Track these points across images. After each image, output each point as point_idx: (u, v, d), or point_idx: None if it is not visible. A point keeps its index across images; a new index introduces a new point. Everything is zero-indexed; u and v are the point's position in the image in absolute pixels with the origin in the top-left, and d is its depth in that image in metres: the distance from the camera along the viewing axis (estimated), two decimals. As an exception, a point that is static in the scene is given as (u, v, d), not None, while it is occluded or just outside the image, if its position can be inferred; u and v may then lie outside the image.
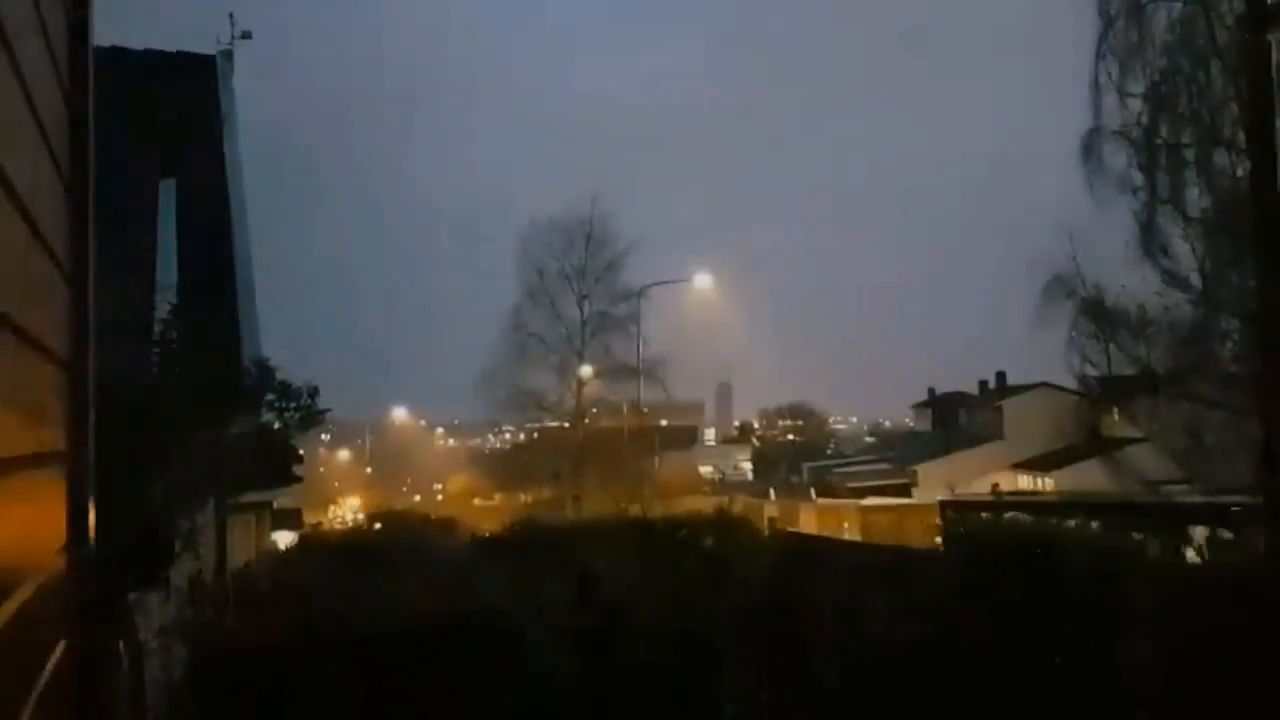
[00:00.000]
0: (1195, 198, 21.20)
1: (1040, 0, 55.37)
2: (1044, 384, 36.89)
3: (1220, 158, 20.53)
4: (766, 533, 20.87)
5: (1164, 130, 21.20)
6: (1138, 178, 21.88)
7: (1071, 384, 28.21)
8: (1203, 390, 22.46)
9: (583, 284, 41.44)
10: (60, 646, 2.76)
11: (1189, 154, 21.07)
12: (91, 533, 3.10)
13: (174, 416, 5.99)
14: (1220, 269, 20.43)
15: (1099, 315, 25.82)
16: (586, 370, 41.35)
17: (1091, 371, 27.00)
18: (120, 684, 5.38)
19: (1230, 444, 20.83)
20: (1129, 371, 25.38)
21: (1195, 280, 21.52)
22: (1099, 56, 21.81)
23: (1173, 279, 21.95)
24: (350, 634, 6.11)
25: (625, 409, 42.53)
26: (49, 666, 2.57)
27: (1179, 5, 20.39)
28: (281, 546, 20.80)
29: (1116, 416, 32.54)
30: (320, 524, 33.88)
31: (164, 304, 7.61)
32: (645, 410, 41.97)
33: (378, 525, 23.45)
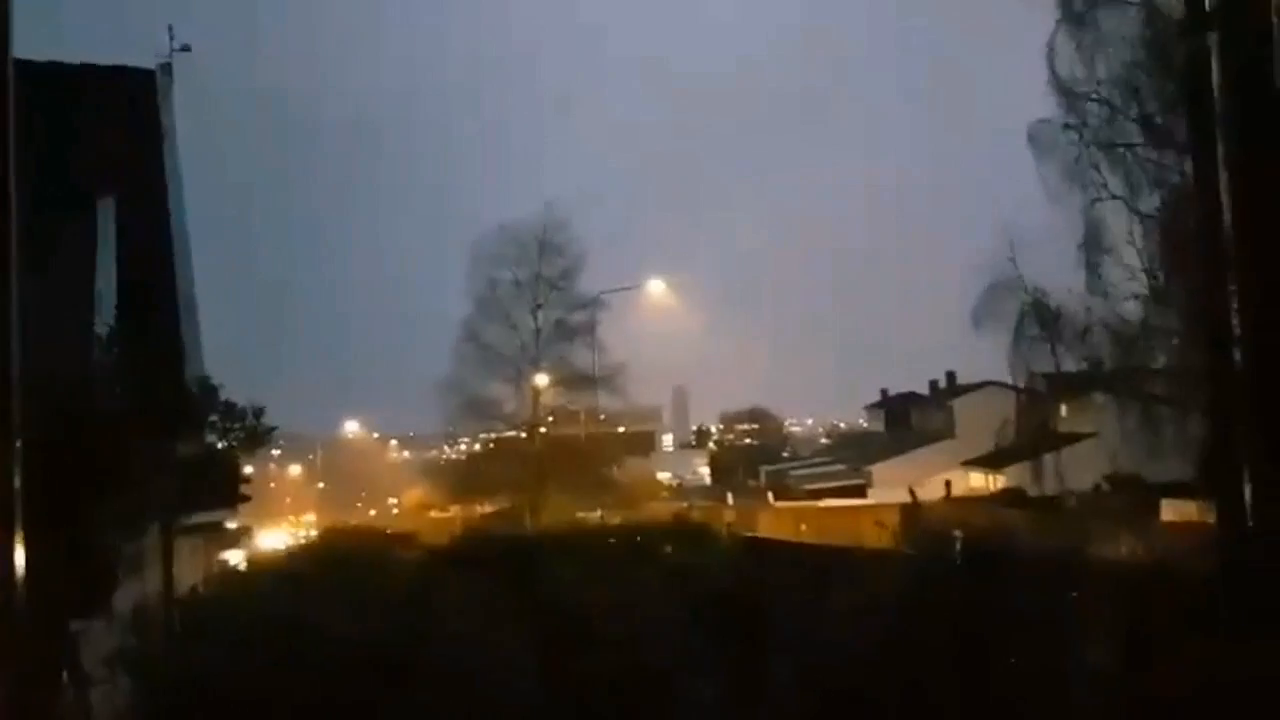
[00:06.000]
0: (1145, 197, 21.60)
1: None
2: (990, 382, 37.33)
3: (1169, 158, 20.91)
4: (725, 537, 20.90)
5: (1115, 129, 21.59)
6: (1087, 176, 22.26)
7: (1018, 381, 28.62)
8: (1150, 387, 22.85)
9: (537, 292, 41.20)
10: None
11: (1139, 153, 21.47)
12: (18, 568, 2.96)
13: (113, 439, 5.82)
14: (1168, 266, 20.78)
15: (1044, 315, 26.16)
16: (542, 379, 41.13)
17: (1037, 369, 27.40)
18: (66, 718, 5.22)
19: (1177, 439, 21.21)
20: (1080, 368, 25.80)
21: (1142, 278, 21.92)
22: (1052, 52, 22.11)
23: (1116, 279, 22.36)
24: (300, 665, 5.98)
25: (583, 417, 42.39)
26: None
27: (1132, 7, 20.78)
28: (232, 566, 20.44)
29: (1064, 413, 33.04)
30: (270, 545, 33.34)
31: (102, 324, 7.41)
32: (603, 417, 41.85)
33: (331, 543, 23.08)
